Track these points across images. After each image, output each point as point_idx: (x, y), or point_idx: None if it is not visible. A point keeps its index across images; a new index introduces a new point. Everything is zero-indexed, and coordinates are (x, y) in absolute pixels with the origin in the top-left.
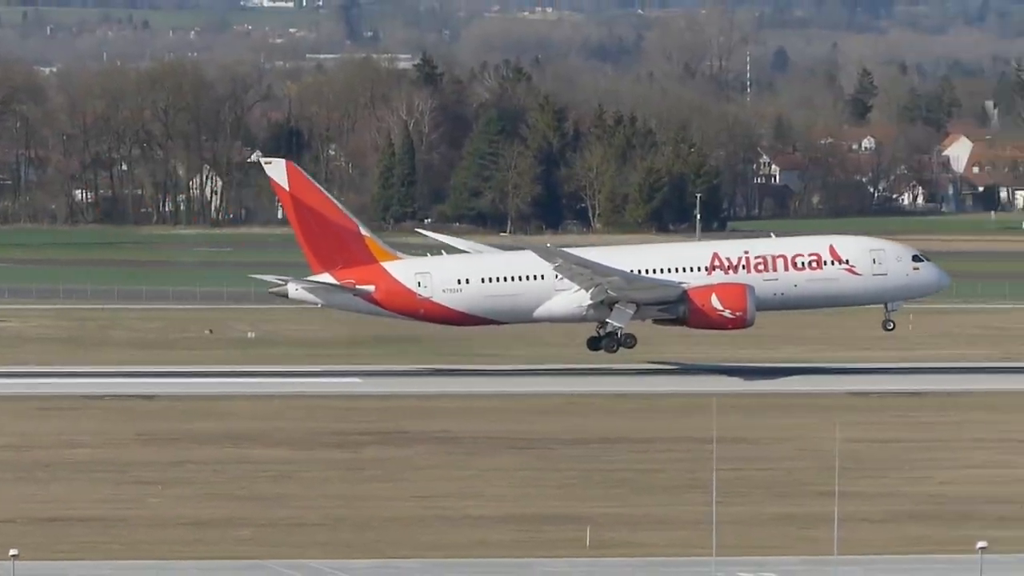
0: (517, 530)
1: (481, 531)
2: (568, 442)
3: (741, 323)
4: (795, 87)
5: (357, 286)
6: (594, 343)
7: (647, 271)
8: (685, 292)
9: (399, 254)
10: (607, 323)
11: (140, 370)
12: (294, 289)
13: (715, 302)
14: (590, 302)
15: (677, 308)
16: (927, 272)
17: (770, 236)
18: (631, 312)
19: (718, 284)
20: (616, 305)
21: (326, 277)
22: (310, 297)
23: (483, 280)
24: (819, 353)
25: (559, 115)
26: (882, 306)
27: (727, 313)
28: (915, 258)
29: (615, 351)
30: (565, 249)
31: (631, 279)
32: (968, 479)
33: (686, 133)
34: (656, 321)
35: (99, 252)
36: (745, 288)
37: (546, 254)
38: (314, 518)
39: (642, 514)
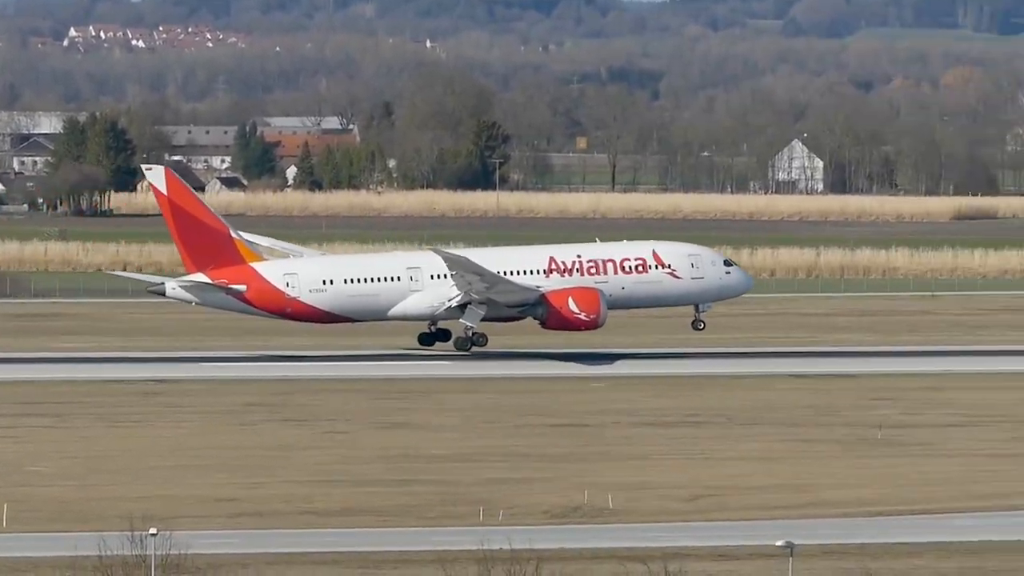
0: None
1: None
2: None
3: (594, 325)
4: None
5: (230, 285)
6: (426, 339)
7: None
8: (543, 295)
9: (265, 255)
10: (437, 323)
11: None
12: (171, 288)
13: (572, 305)
14: (448, 303)
15: (535, 310)
16: (736, 276)
17: (595, 241)
18: (482, 312)
19: (574, 288)
20: (469, 306)
21: (200, 277)
22: (186, 296)
23: (345, 281)
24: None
25: None
26: (692, 307)
27: (583, 315)
28: (726, 263)
29: (469, 350)
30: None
31: (498, 282)
32: None
33: None
34: (485, 320)
35: None
36: (599, 292)
37: (448, 260)
38: None
39: None
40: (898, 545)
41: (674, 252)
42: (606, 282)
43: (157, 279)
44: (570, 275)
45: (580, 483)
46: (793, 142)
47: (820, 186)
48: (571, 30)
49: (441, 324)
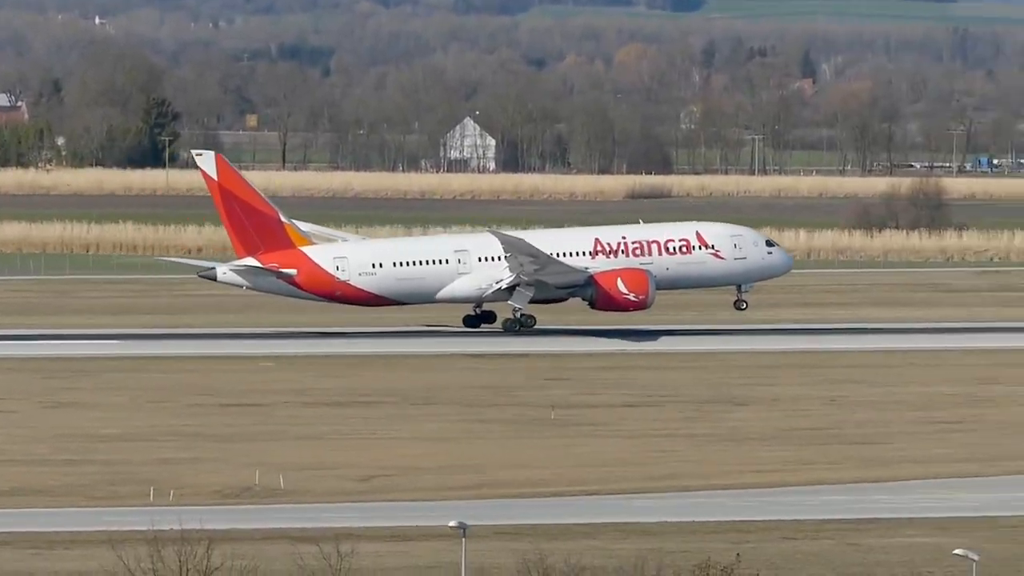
0: None
1: None
2: None
3: (643, 305)
4: None
5: (281, 269)
6: (471, 321)
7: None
8: (592, 276)
9: (314, 239)
10: (482, 305)
11: None
12: (222, 272)
13: (621, 286)
14: (495, 286)
15: (584, 291)
16: (778, 256)
17: (639, 223)
18: (530, 294)
19: (622, 269)
20: (517, 288)
21: (251, 261)
22: (237, 279)
23: (395, 264)
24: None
25: None
26: (734, 288)
27: (631, 296)
28: (768, 243)
29: (517, 331)
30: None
31: (550, 263)
32: None
33: None
34: (532, 302)
35: None
36: (647, 273)
37: (504, 241)
38: None
39: None
40: (573, 526)
41: (717, 233)
42: (651, 263)
43: (207, 263)
44: (615, 256)
45: (251, 463)
46: (465, 120)
47: (492, 164)
48: (241, 7)
49: (487, 306)
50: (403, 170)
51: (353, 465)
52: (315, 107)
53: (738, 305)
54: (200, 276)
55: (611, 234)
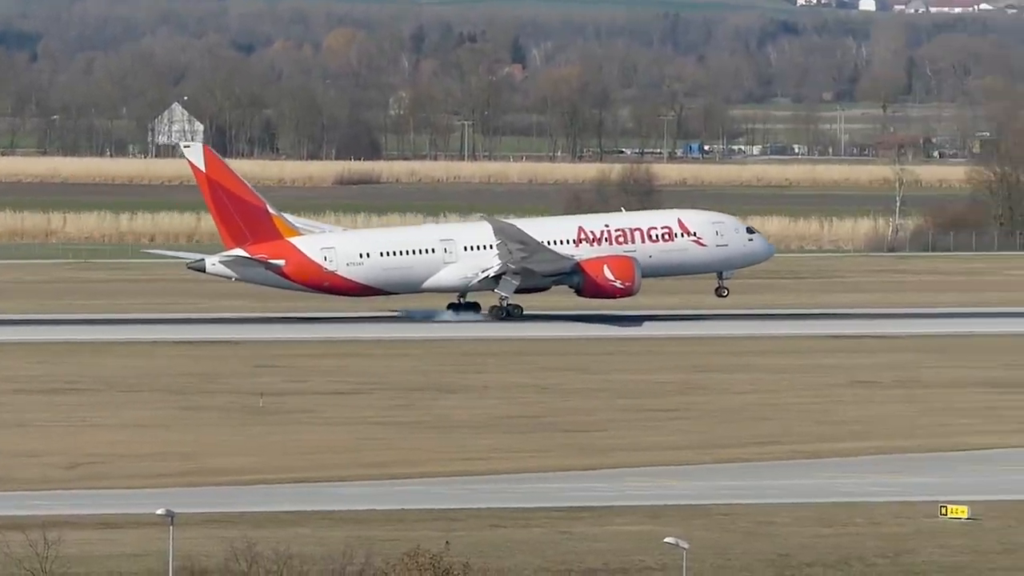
0: None
1: None
2: None
3: (629, 292)
4: None
5: (269, 260)
6: (454, 308)
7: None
8: (578, 264)
9: (301, 230)
10: (466, 295)
11: None
12: (211, 264)
13: (607, 272)
14: (481, 275)
15: (571, 278)
16: (759, 243)
17: (620, 211)
18: (516, 283)
19: (608, 256)
20: (504, 276)
21: (239, 252)
22: (226, 271)
23: (382, 254)
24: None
25: None
26: (715, 275)
27: (618, 283)
28: (748, 230)
29: (504, 319)
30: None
31: (539, 250)
32: None
33: None
34: (517, 291)
35: None
36: (633, 260)
37: (497, 228)
38: None
39: None
40: (282, 514)
41: (699, 220)
42: (634, 251)
43: (196, 255)
44: (599, 244)
45: None
46: (173, 105)
47: None
48: None
49: (470, 296)
50: (111, 155)
51: (60, 452)
52: (22, 92)
53: (719, 292)
54: (189, 268)
55: (594, 222)
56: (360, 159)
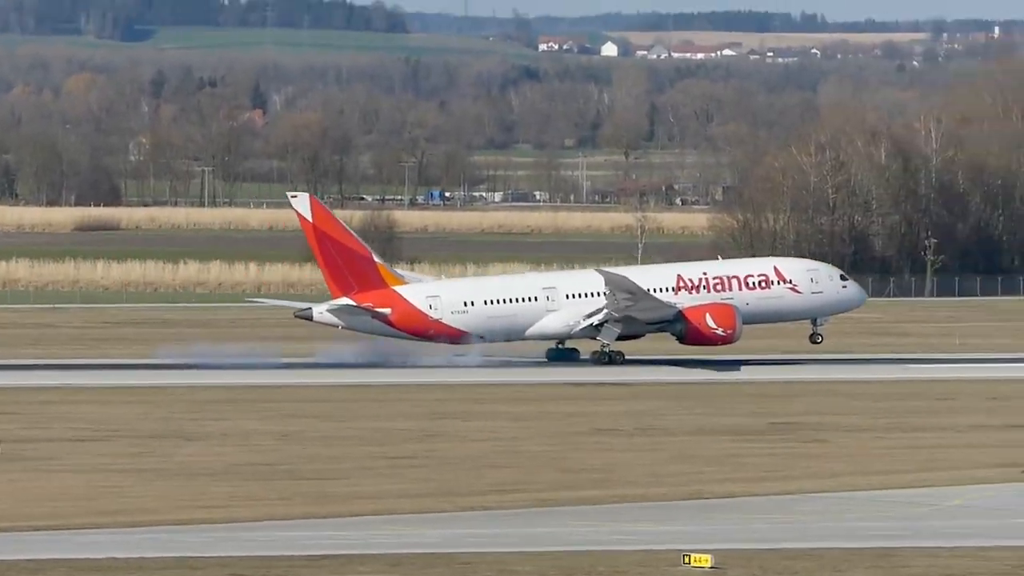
0: None
1: None
2: None
3: (730, 339)
4: None
5: (376, 309)
6: (554, 354)
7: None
8: (680, 312)
9: (406, 279)
10: (565, 341)
11: None
12: (319, 312)
13: (709, 321)
14: (583, 322)
15: (674, 326)
16: (852, 290)
17: (718, 259)
18: (618, 330)
19: (710, 304)
20: (606, 324)
21: (346, 300)
22: (333, 319)
23: (486, 303)
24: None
25: None
26: (809, 322)
27: (720, 331)
28: (842, 277)
29: (606, 363)
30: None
31: (646, 299)
32: None
33: None
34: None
35: None
36: (734, 308)
37: (608, 279)
38: None
39: None
40: (20, 562)
41: (795, 268)
42: (732, 298)
43: (304, 304)
44: (697, 292)
45: None
46: None
47: None
48: None
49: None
50: None
51: None
52: None
53: (813, 339)
54: (296, 316)
55: (693, 270)
56: (100, 205)
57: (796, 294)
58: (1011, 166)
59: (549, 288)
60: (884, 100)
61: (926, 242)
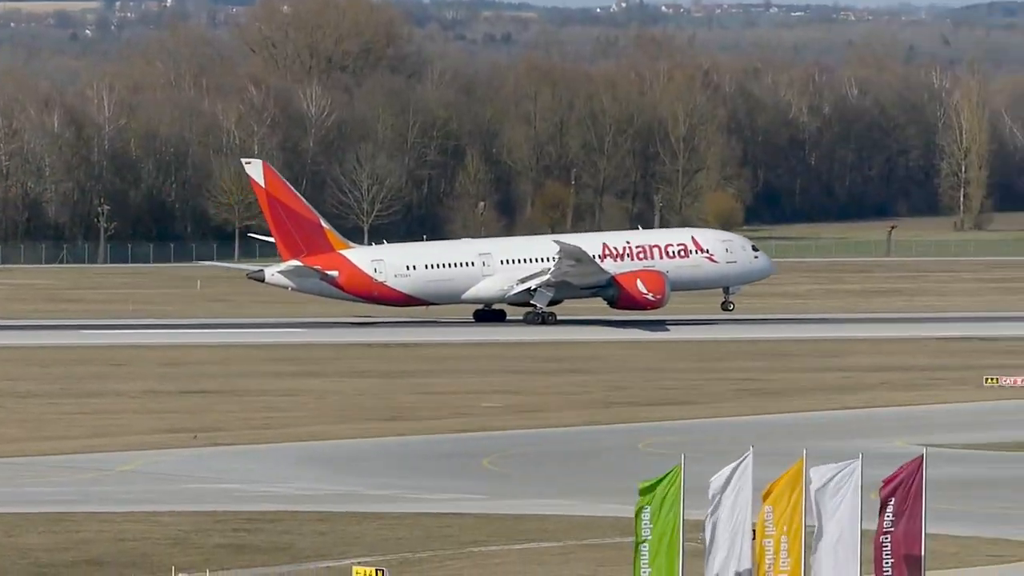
0: None
1: None
2: None
3: (660, 304)
4: None
5: (324, 271)
6: (479, 315)
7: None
8: (613, 278)
9: (351, 243)
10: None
11: None
12: (271, 274)
13: (640, 286)
14: (519, 287)
15: (607, 291)
16: (763, 260)
17: (638, 228)
18: (551, 295)
19: (640, 271)
20: (539, 289)
21: (296, 263)
22: (284, 281)
23: (427, 266)
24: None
25: None
26: (721, 290)
27: (650, 296)
28: (753, 248)
29: (540, 323)
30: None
31: (590, 265)
32: None
33: None
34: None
35: None
36: (663, 275)
37: (563, 248)
38: None
39: None
40: None
41: (711, 238)
42: (653, 266)
43: (255, 267)
44: (621, 260)
45: None
46: None
47: None
48: None
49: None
50: None
51: None
52: None
53: (726, 306)
54: (249, 278)
55: (617, 239)
56: None
57: (712, 263)
58: (183, 134)
59: (485, 254)
60: (57, 68)
61: (99, 209)
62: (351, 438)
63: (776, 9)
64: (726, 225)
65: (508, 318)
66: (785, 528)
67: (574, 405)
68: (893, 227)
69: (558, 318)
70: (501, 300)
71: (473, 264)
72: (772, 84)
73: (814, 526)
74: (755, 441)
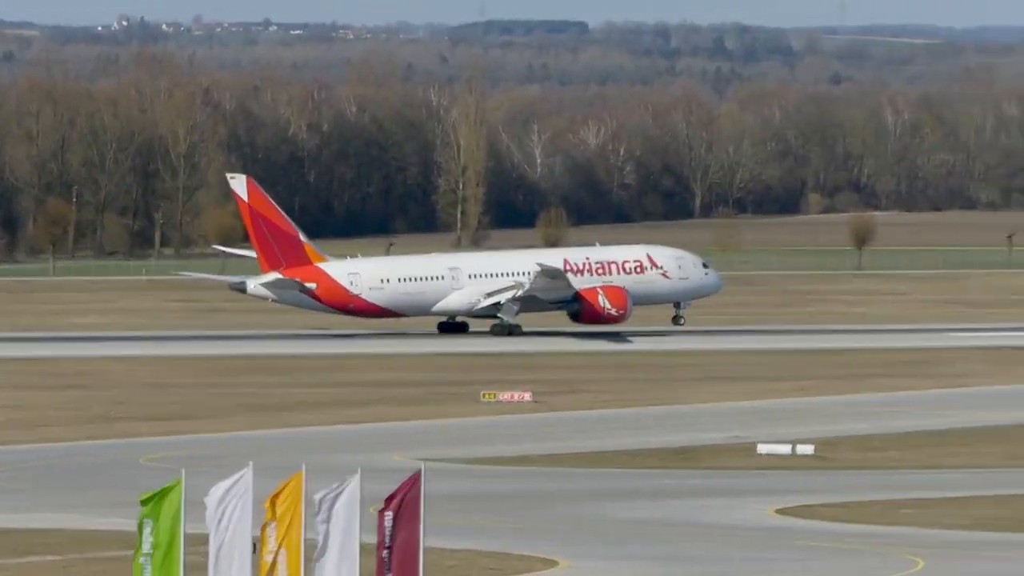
0: None
1: None
2: None
3: (622, 319)
4: None
5: (303, 283)
6: (443, 327)
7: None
8: (577, 292)
9: (328, 257)
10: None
11: None
12: (252, 285)
13: (603, 301)
14: (487, 301)
15: (571, 306)
16: (712, 277)
17: (595, 245)
18: (517, 308)
19: (603, 286)
20: (506, 303)
21: (277, 275)
22: (265, 292)
23: (400, 280)
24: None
25: None
26: (672, 305)
27: (613, 311)
28: (704, 264)
29: (506, 335)
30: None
31: (559, 281)
32: None
33: None
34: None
35: None
36: (625, 290)
37: (544, 269)
38: None
39: None
40: None
41: (665, 255)
42: (612, 281)
43: (237, 278)
44: (582, 275)
45: None
46: None
47: None
48: None
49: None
50: None
51: None
52: None
53: (677, 320)
54: (231, 289)
55: (577, 255)
56: None
57: (666, 279)
58: None
59: (453, 268)
60: None
61: None
62: None
63: (276, 28)
64: (227, 242)
65: (471, 330)
66: (284, 542)
67: (78, 420)
68: (391, 244)
69: (523, 330)
70: (468, 313)
71: (443, 278)
72: (272, 102)
73: (316, 540)
74: (255, 456)
